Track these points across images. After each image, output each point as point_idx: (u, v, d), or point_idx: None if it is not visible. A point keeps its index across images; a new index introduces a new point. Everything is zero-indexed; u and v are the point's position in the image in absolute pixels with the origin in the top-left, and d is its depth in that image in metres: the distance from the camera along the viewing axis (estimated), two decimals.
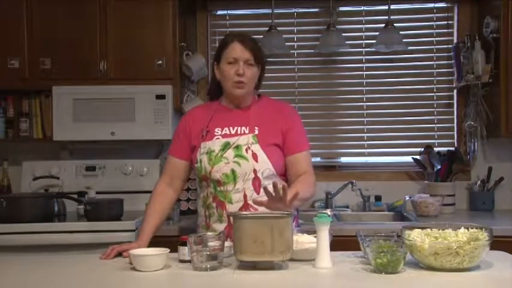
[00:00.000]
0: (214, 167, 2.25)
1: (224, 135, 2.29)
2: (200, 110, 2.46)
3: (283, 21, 3.63)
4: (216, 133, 2.30)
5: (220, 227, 2.24)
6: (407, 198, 3.35)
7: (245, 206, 2.23)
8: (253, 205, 2.21)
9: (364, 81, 3.66)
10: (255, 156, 2.25)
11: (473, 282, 1.71)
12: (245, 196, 2.24)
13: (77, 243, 2.89)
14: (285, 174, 2.35)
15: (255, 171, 2.24)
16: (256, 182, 2.25)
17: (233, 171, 2.24)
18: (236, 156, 2.25)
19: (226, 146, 2.27)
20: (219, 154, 2.26)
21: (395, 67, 3.63)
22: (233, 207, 2.22)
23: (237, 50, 2.26)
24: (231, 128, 2.31)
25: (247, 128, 2.29)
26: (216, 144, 2.28)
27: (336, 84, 3.68)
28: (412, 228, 1.90)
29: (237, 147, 2.26)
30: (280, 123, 2.32)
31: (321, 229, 1.86)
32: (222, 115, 2.35)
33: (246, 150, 2.25)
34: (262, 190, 2.12)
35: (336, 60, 3.67)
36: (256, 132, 2.28)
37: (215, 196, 2.27)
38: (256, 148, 2.26)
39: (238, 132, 2.29)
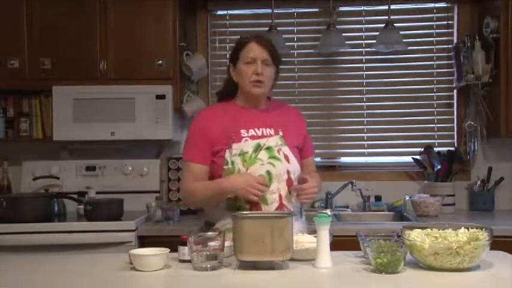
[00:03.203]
0: (249, 169, 2.22)
1: (252, 137, 2.27)
2: (216, 111, 2.38)
3: (283, 21, 3.63)
4: (242, 135, 2.27)
5: None
6: (407, 198, 3.35)
7: (280, 206, 2.23)
8: (287, 205, 2.24)
9: (364, 81, 3.66)
10: (286, 157, 2.27)
11: (473, 282, 1.71)
12: (280, 197, 2.23)
13: (77, 243, 2.89)
14: None
15: (288, 171, 2.25)
16: (290, 183, 2.26)
17: (269, 172, 2.23)
18: (270, 157, 2.24)
19: (258, 148, 2.25)
20: (253, 155, 2.24)
21: (395, 67, 3.63)
22: (268, 208, 2.20)
23: (255, 50, 2.26)
24: (256, 130, 2.29)
25: (272, 129, 2.30)
26: (247, 145, 2.25)
27: (336, 84, 3.67)
28: (412, 228, 1.90)
29: (269, 148, 2.25)
30: (300, 129, 2.40)
31: (321, 229, 1.86)
32: (243, 116, 2.32)
33: (278, 151, 2.26)
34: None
35: (336, 60, 3.67)
36: (281, 134, 2.30)
37: None
38: (286, 149, 2.28)
39: (264, 133, 2.29)
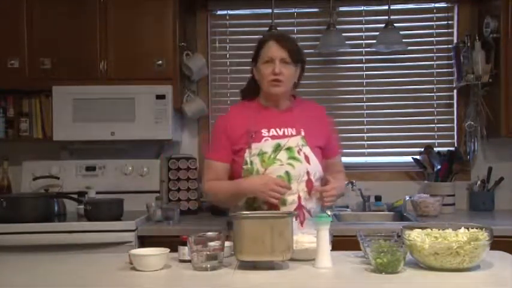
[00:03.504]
0: (268, 169, 2.22)
1: (272, 137, 2.26)
2: (238, 110, 2.39)
3: (283, 21, 3.63)
4: (263, 134, 2.27)
5: None
6: (407, 198, 3.35)
7: (299, 207, 2.22)
8: (306, 207, 2.22)
9: (364, 81, 3.66)
10: (307, 158, 2.25)
11: (473, 282, 1.71)
12: (299, 198, 2.22)
13: (77, 243, 2.89)
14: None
15: (308, 172, 2.24)
16: (309, 184, 2.24)
17: (288, 173, 2.22)
18: (289, 158, 2.23)
19: (277, 148, 2.24)
20: (272, 156, 2.23)
21: (395, 67, 3.63)
22: (286, 209, 2.19)
23: (273, 49, 2.25)
24: (277, 129, 2.28)
25: (294, 129, 2.28)
26: (267, 145, 2.24)
27: (336, 84, 3.67)
28: (412, 228, 1.90)
29: (289, 149, 2.24)
30: (325, 128, 2.38)
31: (321, 229, 1.86)
32: (265, 116, 2.31)
33: (298, 151, 2.24)
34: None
35: (336, 60, 3.67)
36: (303, 134, 2.28)
37: None
38: (307, 150, 2.26)
39: (286, 133, 2.28)
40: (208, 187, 2.35)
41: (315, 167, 2.27)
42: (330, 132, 2.41)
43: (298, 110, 2.35)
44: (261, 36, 2.38)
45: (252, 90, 2.38)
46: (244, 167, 2.25)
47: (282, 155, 2.23)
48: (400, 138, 3.64)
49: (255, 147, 2.24)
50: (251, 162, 2.24)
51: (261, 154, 2.23)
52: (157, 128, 3.28)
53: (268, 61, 2.25)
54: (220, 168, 2.31)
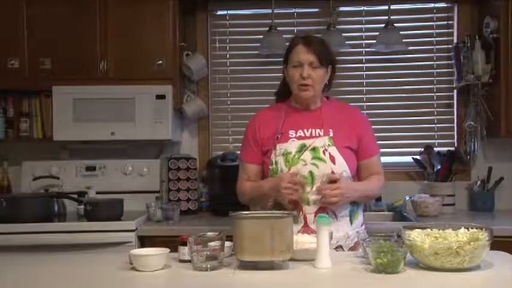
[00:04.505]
0: (291, 169, 2.24)
1: (299, 137, 2.29)
2: (269, 112, 2.43)
3: (283, 21, 3.62)
4: (290, 135, 2.30)
5: (296, 228, 2.14)
6: (407, 198, 3.35)
7: (323, 207, 2.21)
8: (331, 207, 2.21)
9: (364, 81, 3.66)
10: (332, 158, 2.24)
11: (473, 282, 1.71)
12: (323, 197, 2.20)
13: (77, 243, 2.89)
14: (356, 176, 2.36)
15: (333, 173, 2.23)
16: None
17: (311, 173, 2.22)
18: (314, 158, 2.24)
19: (302, 148, 2.26)
20: (296, 156, 2.25)
21: (396, 67, 3.63)
22: (310, 209, 2.21)
23: (301, 54, 2.27)
24: (305, 130, 2.30)
25: (322, 130, 2.29)
26: (292, 146, 2.27)
27: (336, 84, 3.63)
28: (412, 228, 1.90)
29: (314, 149, 2.25)
30: (355, 129, 2.35)
31: (321, 229, 1.86)
32: (294, 117, 2.34)
33: (323, 152, 2.25)
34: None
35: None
36: (331, 134, 2.28)
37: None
38: (333, 150, 2.26)
39: (313, 134, 2.29)
40: (238, 188, 2.42)
41: (341, 168, 2.25)
42: (363, 133, 2.37)
43: (327, 111, 2.35)
44: (291, 38, 2.39)
45: (285, 92, 2.41)
46: (270, 167, 2.29)
47: (306, 155, 2.24)
48: (400, 138, 3.64)
49: (280, 147, 2.28)
50: (276, 162, 2.27)
51: (286, 154, 2.26)
52: (157, 128, 3.28)
53: (296, 65, 2.27)
54: (250, 169, 2.38)
